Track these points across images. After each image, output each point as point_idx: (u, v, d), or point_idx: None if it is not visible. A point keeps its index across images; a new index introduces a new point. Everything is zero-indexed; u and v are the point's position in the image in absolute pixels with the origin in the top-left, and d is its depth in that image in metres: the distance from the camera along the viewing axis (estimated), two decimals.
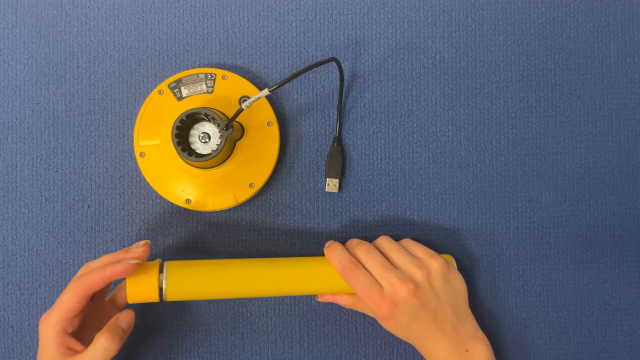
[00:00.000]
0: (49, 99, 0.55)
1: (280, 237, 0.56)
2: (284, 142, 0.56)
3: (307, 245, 0.56)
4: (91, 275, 0.45)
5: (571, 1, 0.58)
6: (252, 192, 0.53)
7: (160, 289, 0.48)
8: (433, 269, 0.50)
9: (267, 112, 0.54)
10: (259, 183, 0.53)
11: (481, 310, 0.56)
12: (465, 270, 0.56)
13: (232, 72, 0.54)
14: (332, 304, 0.55)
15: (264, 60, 0.56)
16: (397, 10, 0.57)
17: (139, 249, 0.47)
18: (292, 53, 0.56)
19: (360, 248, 0.50)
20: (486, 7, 0.57)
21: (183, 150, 0.50)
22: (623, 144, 0.57)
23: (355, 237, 0.55)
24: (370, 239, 0.55)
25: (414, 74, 0.57)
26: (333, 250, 0.51)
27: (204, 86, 0.53)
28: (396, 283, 0.48)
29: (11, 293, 0.54)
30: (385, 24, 0.57)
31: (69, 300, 0.45)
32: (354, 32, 0.57)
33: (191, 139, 0.52)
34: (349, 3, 0.57)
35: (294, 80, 0.56)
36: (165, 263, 0.49)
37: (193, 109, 0.50)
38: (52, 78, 0.55)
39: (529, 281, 0.56)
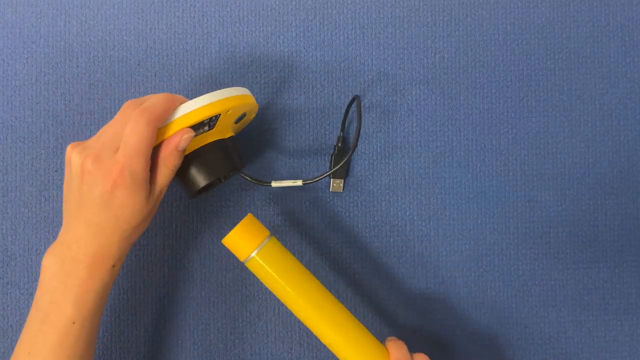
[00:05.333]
0: (48, 98, 0.55)
1: (279, 237, 0.55)
2: (284, 141, 0.56)
3: (308, 245, 0.56)
4: (157, 107, 0.43)
5: (571, 1, 0.58)
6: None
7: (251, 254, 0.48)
8: None
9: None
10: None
11: (481, 310, 0.56)
12: (465, 270, 0.56)
13: (232, 71, 0.54)
14: None
15: (264, 60, 0.56)
16: (397, 10, 0.57)
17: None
18: (292, 53, 0.56)
19: None
20: (486, 7, 0.57)
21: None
22: (623, 144, 0.57)
23: (354, 237, 0.55)
24: (370, 238, 0.55)
25: (414, 74, 0.57)
26: (399, 346, 0.47)
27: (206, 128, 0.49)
28: None
29: (10, 293, 0.54)
30: (385, 24, 0.57)
31: (146, 131, 0.42)
32: (353, 32, 0.57)
33: None
34: (349, 3, 0.57)
35: (294, 79, 0.56)
36: (272, 237, 0.49)
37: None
38: (52, 78, 0.55)
39: (529, 281, 0.56)
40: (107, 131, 0.44)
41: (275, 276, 0.48)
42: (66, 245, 0.43)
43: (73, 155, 0.43)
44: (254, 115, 0.53)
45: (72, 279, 0.43)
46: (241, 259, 0.48)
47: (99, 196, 0.42)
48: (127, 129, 0.42)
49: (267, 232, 0.49)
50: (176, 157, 0.45)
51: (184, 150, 0.45)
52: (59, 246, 0.44)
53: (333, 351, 0.49)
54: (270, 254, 0.48)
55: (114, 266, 0.44)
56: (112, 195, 0.42)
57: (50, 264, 0.43)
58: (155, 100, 0.43)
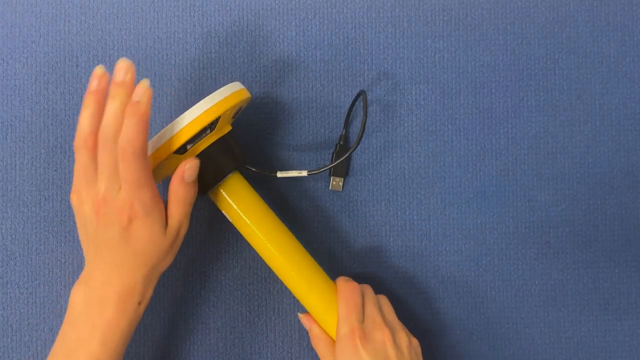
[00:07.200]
0: (48, 98, 0.55)
1: None
2: (284, 141, 0.56)
3: (307, 245, 0.56)
4: (135, 139, 0.41)
5: (571, 1, 0.58)
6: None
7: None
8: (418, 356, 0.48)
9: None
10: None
11: (481, 310, 0.56)
12: (465, 270, 0.56)
13: (232, 71, 0.54)
14: None
15: (264, 59, 0.56)
16: (396, 10, 0.57)
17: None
18: (292, 53, 0.56)
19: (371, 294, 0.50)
20: (486, 6, 0.57)
21: None
22: (623, 144, 0.57)
23: (354, 236, 0.55)
24: (369, 238, 0.55)
25: (414, 73, 0.57)
26: (352, 288, 0.49)
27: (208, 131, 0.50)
28: (378, 320, 0.47)
29: (10, 292, 0.54)
30: (385, 24, 0.57)
31: (137, 164, 0.41)
32: (353, 31, 0.57)
33: None
34: (348, 3, 0.57)
35: (294, 79, 0.56)
36: (236, 173, 0.50)
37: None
38: (52, 77, 0.55)
39: (528, 281, 0.56)
40: (101, 173, 0.43)
41: (235, 207, 0.49)
42: (91, 285, 0.44)
43: (81, 204, 0.44)
44: (245, 105, 0.53)
45: (99, 319, 0.43)
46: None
47: (115, 233, 0.43)
48: (120, 170, 0.42)
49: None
50: (185, 189, 0.45)
51: (194, 181, 0.45)
52: (84, 285, 0.44)
53: (287, 286, 0.51)
54: (231, 186, 0.49)
55: (139, 303, 0.45)
56: (129, 229, 0.43)
57: (77, 301, 0.44)
58: (126, 132, 0.41)
